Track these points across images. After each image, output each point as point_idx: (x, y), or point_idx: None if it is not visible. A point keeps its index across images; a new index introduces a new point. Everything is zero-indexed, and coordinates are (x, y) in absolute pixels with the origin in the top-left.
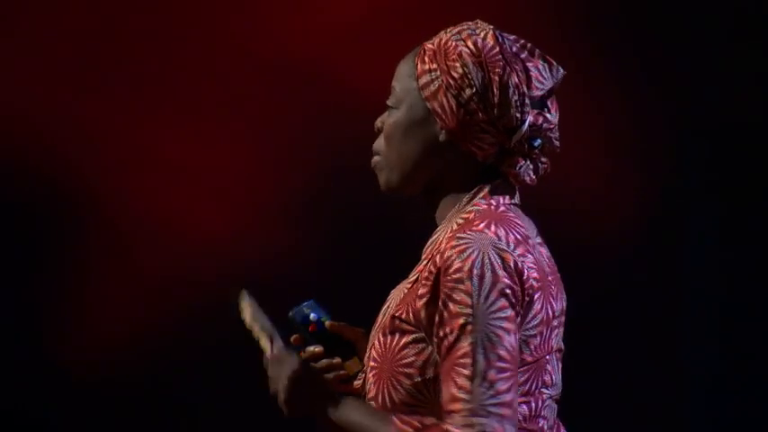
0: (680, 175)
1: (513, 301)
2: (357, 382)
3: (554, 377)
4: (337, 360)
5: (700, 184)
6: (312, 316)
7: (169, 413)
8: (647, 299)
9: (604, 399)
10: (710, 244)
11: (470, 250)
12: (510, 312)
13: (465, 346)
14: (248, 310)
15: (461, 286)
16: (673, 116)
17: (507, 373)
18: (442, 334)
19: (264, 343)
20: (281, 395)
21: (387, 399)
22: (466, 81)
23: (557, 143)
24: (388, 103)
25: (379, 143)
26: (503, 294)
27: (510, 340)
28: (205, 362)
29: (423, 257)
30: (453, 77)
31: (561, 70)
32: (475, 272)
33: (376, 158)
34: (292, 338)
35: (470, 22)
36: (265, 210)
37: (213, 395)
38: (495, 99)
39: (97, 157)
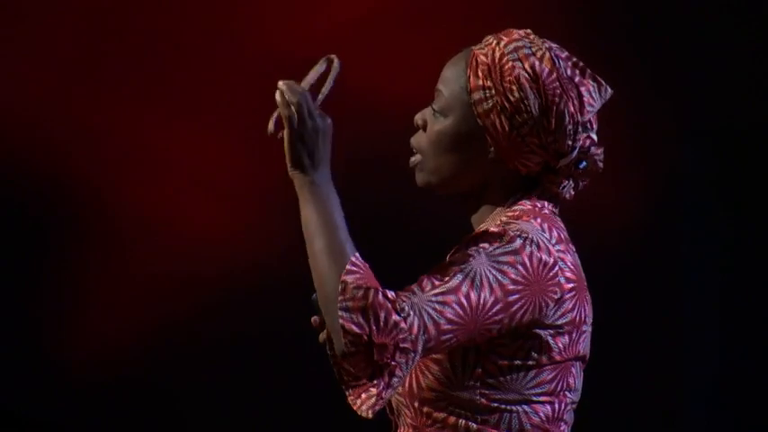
0: (680, 176)
1: (521, 280)
2: None
3: (576, 383)
4: None
5: (700, 185)
6: None
7: (170, 413)
8: (646, 299)
9: (604, 399)
10: (711, 244)
11: (514, 228)
12: (508, 284)
13: (453, 267)
14: (323, 73)
15: (488, 236)
16: (673, 116)
17: (460, 312)
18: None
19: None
20: (297, 126)
21: (414, 384)
22: (522, 106)
23: (600, 165)
24: (434, 107)
25: (420, 141)
26: (514, 265)
27: (487, 298)
28: (205, 361)
29: None
30: (509, 100)
31: (609, 90)
32: (509, 233)
33: (416, 158)
34: (312, 319)
35: (522, 33)
36: (266, 209)
37: (213, 394)
38: (551, 127)
39: (97, 156)
